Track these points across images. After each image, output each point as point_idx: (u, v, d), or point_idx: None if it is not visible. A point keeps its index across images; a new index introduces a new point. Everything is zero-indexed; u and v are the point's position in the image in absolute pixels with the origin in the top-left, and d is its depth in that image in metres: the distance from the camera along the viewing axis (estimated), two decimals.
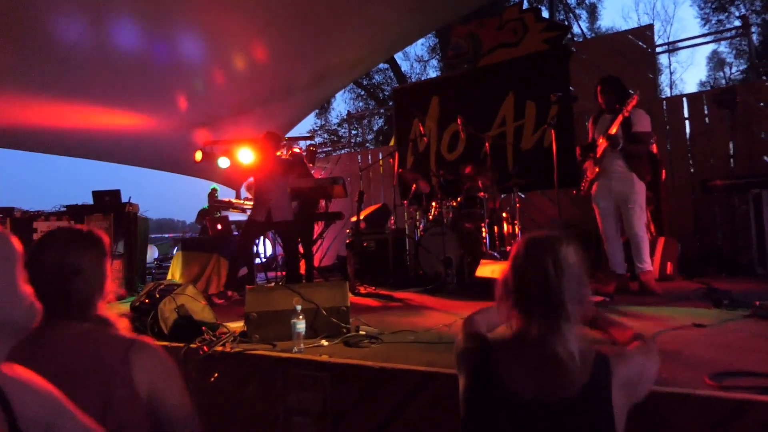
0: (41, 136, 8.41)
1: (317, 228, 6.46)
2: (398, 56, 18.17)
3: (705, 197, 6.04)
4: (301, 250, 6.10)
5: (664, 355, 2.40)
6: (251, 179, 7.77)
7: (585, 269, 1.45)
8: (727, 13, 17.84)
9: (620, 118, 4.26)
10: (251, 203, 7.43)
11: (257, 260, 6.79)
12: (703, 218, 6.12)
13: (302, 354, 2.68)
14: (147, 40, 7.05)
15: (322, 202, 6.44)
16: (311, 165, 9.51)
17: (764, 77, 7.12)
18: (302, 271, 6.15)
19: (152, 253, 10.09)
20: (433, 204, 6.19)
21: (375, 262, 6.47)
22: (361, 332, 3.14)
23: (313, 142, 9.18)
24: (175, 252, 7.14)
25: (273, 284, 6.12)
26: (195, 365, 2.87)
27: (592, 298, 1.52)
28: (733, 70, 21.72)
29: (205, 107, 8.83)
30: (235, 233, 6.91)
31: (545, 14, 7.90)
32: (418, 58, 20.55)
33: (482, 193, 5.84)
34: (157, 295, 3.40)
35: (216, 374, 2.84)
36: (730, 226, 5.76)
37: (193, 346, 2.96)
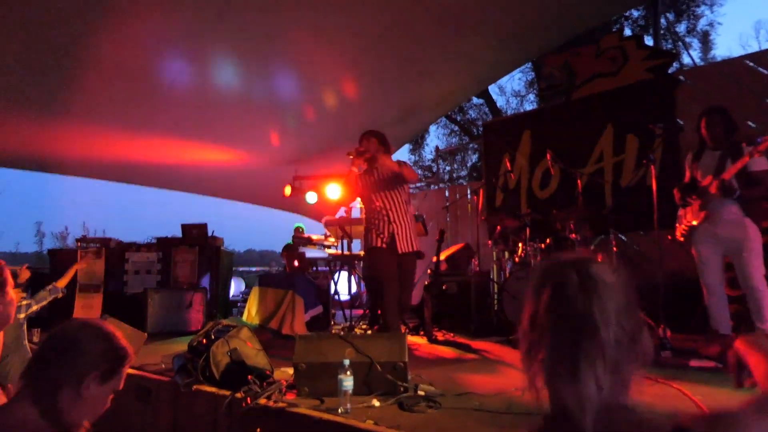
0: (140, 169, 8.90)
1: None
2: (494, 91, 17.86)
3: None
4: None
5: None
6: (328, 217, 7.70)
7: (632, 293, 1.01)
8: None
9: (746, 159, 3.67)
10: (332, 240, 7.34)
11: (336, 297, 6.64)
12: None
13: (346, 417, 2.40)
14: (244, 78, 7.29)
15: None
16: None
17: None
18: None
19: (238, 285, 10.29)
20: (520, 245, 5.74)
21: (455, 306, 6.08)
22: (420, 392, 2.81)
23: None
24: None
25: (350, 324, 5.93)
26: (237, 418, 2.68)
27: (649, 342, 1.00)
28: None
29: (296, 143, 8.99)
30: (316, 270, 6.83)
31: (649, 42, 7.26)
32: (514, 93, 20.05)
33: (574, 235, 5.33)
34: (213, 336, 3.28)
35: (258, 429, 2.63)
36: None
37: (238, 395, 2.78)
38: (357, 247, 6.43)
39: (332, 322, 6.03)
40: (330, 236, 6.97)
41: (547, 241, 5.57)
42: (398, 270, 4.39)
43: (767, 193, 3.91)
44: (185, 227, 6.69)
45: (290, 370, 3.22)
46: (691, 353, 3.75)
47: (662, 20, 10.56)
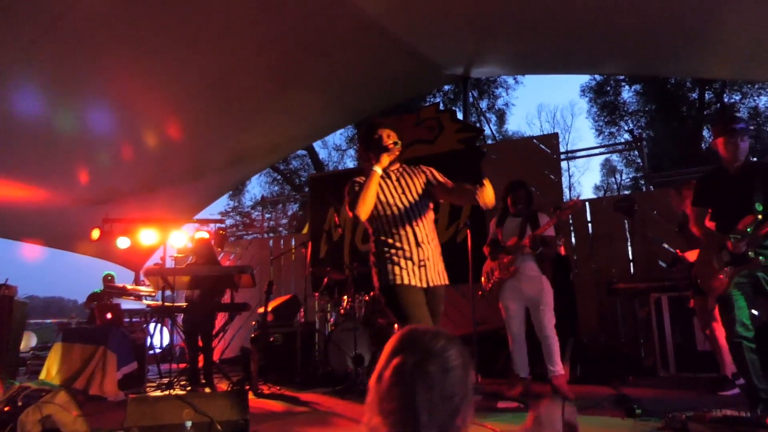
0: None
1: (220, 320, 6.01)
2: (317, 144, 18.43)
3: (609, 299, 6.24)
4: (200, 343, 5.63)
5: None
6: (152, 263, 7.27)
7: (470, 378, 1.18)
8: (617, 127, 19.65)
9: (554, 220, 4.34)
10: (149, 290, 6.87)
11: (151, 352, 6.19)
12: (608, 320, 6.29)
13: None
14: (49, 109, 6.62)
15: (228, 292, 6.04)
16: (220, 249, 9.09)
17: (652, 187, 7.75)
18: (200, 365, 5.65)
19: (29, 340, 9.02)
20: (345, 297, 5.97)
21: (281, 357, 6.07)
22: None
23: (223, 225, 8.81)
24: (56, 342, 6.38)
25: (167, 380, 5.56)
26: None
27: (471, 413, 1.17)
28: (624, 176, 23.78)
29: (109, 182, 8.32)
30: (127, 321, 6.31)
31: (459, 115, 8.23)
32: (336, 147, 20.99)
33: None
34: (20, 403, 2.89)
35: None
36: (633, 328, 5.93)
37: None
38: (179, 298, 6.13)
39: (146, 379, 5.60)
40: (148, 285, 6.52)
41: (371, 293, 5.88)
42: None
43: (554, 253, 4.67)
44: None
45: None
46: (498, 396, 4.22)
47: (470, 96, 11.99)
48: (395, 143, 2.98)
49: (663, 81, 16.93)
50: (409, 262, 2.88)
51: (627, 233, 6.60)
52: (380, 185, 2.96)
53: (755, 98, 17.62)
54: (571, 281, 5.71)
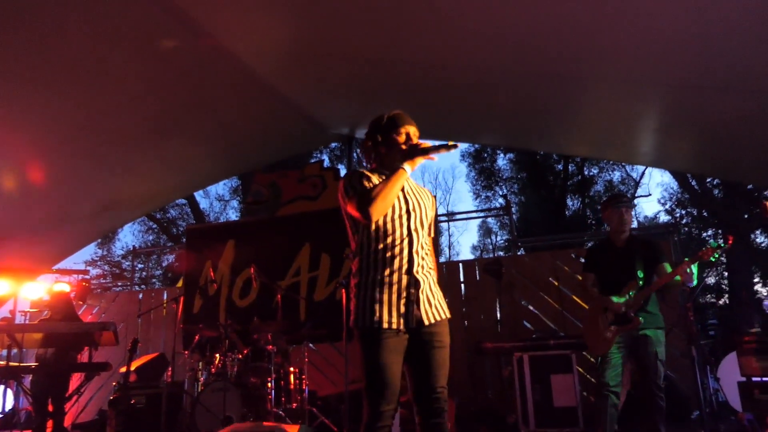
0: None
1: (74, 381, 5.52)
2: (198, 193, 17.88)
3: (478, 357, 6.53)
4: (50, 407, 5.12)
5: None
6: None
7: None
8: (493, 191, 21.07)
9: None
10: None
11: None
12: (477, 377, 6.56)
13: None
14: None
15: (86, 350, 5.59)
16: (82, 303, 8.42)
17: (521, 251, 8.41)
18: (49, 431, 5.12)
19: None
20: (218, 356, 5.75)
21: (145, 421, 5.66)
22: None
23: (86, 276, 8.20)
24: None
25: None
26: None
27: None
28: (499, 238, 25.38)
29: None
30: None
31: (343, 173, 8.47)
32: (218, 197, 20.48)
33: (270, 346, 5.60)
34: None
35: None
36: (499, 385, 6.22)
37: None
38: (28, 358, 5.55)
39: None
40: None
41: (245, 351, 5.72)
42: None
43: None
44: None
45: None
46: None
47: (354, 155, 12.32)
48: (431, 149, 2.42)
49: (533, 152, 18.56)
50: (394, 301, 2.36)
51: (496, 295, 7.02)
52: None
53: (610, 173, 19.88)
54: None
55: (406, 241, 2.40)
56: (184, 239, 8.98)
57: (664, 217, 19.39)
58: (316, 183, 7.86)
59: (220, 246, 8.02)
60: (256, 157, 8.56)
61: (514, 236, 8.24)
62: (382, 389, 2.29)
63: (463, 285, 7.38)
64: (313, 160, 15.15)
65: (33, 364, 5.27)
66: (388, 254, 2.38)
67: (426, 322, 2.39)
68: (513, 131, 7.71)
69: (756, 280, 17.13)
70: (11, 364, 5.04)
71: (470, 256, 26.50)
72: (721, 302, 17.68)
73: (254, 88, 6.21)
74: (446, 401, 2.44)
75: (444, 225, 24.70)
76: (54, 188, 7.29)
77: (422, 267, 2.43)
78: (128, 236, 23.23)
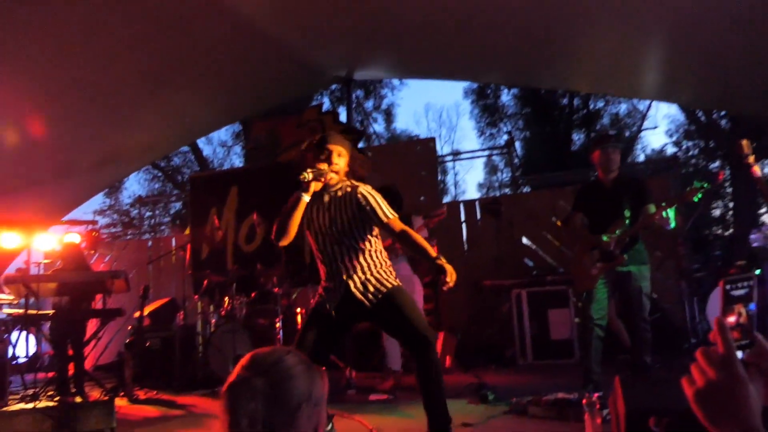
0: None
1: (92, 326, 5.77)
2: (201, 140, 17.84)
3: (479, 295, 6.73)
4: (70, 351, 5.39)
5: None
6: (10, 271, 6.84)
7: (313, 385, 1.31)
8: (497, 128, 20.88)
9: (422, 228, 4.63)
10: (9, 298, 6.43)
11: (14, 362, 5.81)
12: (477, 314, 6.78)
13: None
14: None
15: (99, 297, 5.81)
16: (93, 252, 8.65)
17: (523, 189, 8.48)
18: (71, 373, 5.41)
19: None
20: (227, 299, 5.97)
21: (159, 362, 5.97)
22: None
23: (95, 226, 8.39)
24: None
25: (32, 391, 5.27)
26: None
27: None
28: (504, 175, 25.37)
29: None
30: None
31: (344, 117, 8.45)
32: (221, 143, 20.39)
33: (276, 288, 5.80)
34: None
35: None
36: (498, 321, 6.45)
37: None
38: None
39: (8, 392, 5.26)
40: (8, 293, 6.09)
41: (252, 294, 5.93)
42: None
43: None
44: None
45: None
46: (370, 389, 4.47)
47: (353, 96, 12.24)
48: (328, 170, 2.89)
49: (537, 88, 18.27)
50: (333, 293, 2.91)
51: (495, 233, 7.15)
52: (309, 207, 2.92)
53: (616, 105, 19.53)
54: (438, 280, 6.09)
55: (334, 253, 2.92)
56: (188, 188, 9.10)
57: (671, 149, 19.22)
58: (314, 128, 7.86)
59: (224, 193, 8.12)
60: (254, 103, 8.55)
61: (515, 175, 8.28)
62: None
63: (464, 225, 7.50)
64: (314, 103, 15.05)
65: (50, 311, 5.50)
66: (323, 265, 2.98)
67: (368, 305, 2.86)
68: (515, 68, 7.61)
69: (762, 210, 17.14)
70: (30, 312, 5.27)
71: (476, 195, 26.49)
72: (727, 234, 17.70)
73: (246, 34, 6.13)
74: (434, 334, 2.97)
75: (450, 164, 24.65)
76: (56, 141, 7.37)
77: (351, 268, 2.90)
78: (134, 185, 23.44)
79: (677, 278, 5.99)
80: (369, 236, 2.99)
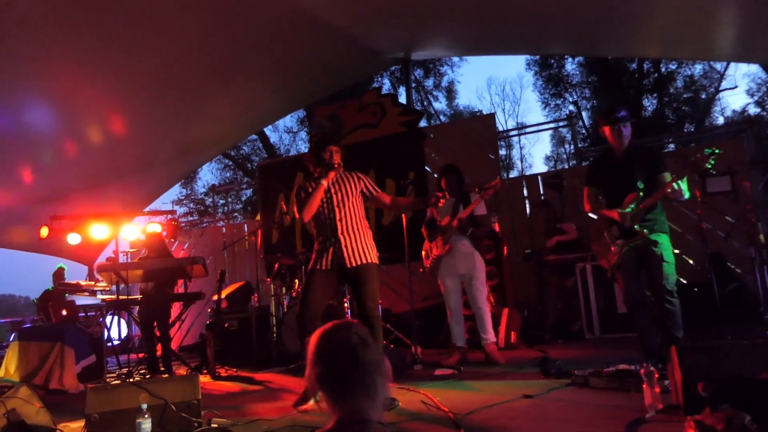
0: None
1: (176, 309, 6.21)
2: (267, 128, 18.38)
3: (544, 270, 6.68)
4: (157, 333, 5.82)
5: (491, 429, 2.64)
6: (105, 257, 7.36)
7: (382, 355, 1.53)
8: (562, 99, 20.25)
9: (478, 202, 4.67)
10: (103, 285, 6.98)
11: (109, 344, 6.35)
12: (543, 289, 6.74)
13: None
14: None
15: (181, 282, 6.23)
16: (173, 240, 9.19)
17: (587, 160, 8.27)
18: (159, 353, 5.85)
19: None
20: (297, 281, 6.24)
21: (237, 341, 6.35)
22: (213, 425, 3.07)
23: (174, 216, 8.90)
24: (10, 340, 6.46)
25: (126, 370, 5.76)
26: None
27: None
28: (572, 147, 24.62)
29: (53, 180, 8.29)
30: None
31: (403, 98, 8.52)
32: (287, 130, 20.91)
33: None
34: None
35: None
36: (564, 296, 6.39)
37: None
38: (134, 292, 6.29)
39: (106, 371, 5.78)
40: (102, 280, 6.64)
41: None
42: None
43: (486, 231, 5.04)
44: None
45: (74, 425, 3.21)
46: (436, 364, 4.60)
47: (412, 77, 12.24)
48: (339, 164, 3.66)
49: (602, 57, 17.51)
50: (325, 252, 3.63)
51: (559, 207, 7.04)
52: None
53: (690, 67, 18.45)
54: (503, 256, 6.09)
55: (331, 218, 3.65)
56: (257, 175, 9.46)
57: (753, 110, 18.02)
58: (375, 111, 7.99)
59: (291, 179, 8.42)
60: (317, 89, 8.76)
61: (578, 147, 8.08)
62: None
63: (527, 200, 7.45)
64: (375, 85, 15.13)
65: (138, 297, 5.96)
66: (322, 225, 3.69)
67: (348, 266, 3.57)
68: (579, 38, 7.39)
69: None
70: (121, 297, 5.74)
71: (543, 168, 25.84)
72: None
73: (306, 21, 6.30)
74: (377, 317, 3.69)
75: (515, 139, 24.17)
76: (135, 137, 7.88)
77: (348, 228, 3.64)
78: (207, 175, 24.44)
79: (748, 246, 5.74)
80: (361, 209, 3.75)
